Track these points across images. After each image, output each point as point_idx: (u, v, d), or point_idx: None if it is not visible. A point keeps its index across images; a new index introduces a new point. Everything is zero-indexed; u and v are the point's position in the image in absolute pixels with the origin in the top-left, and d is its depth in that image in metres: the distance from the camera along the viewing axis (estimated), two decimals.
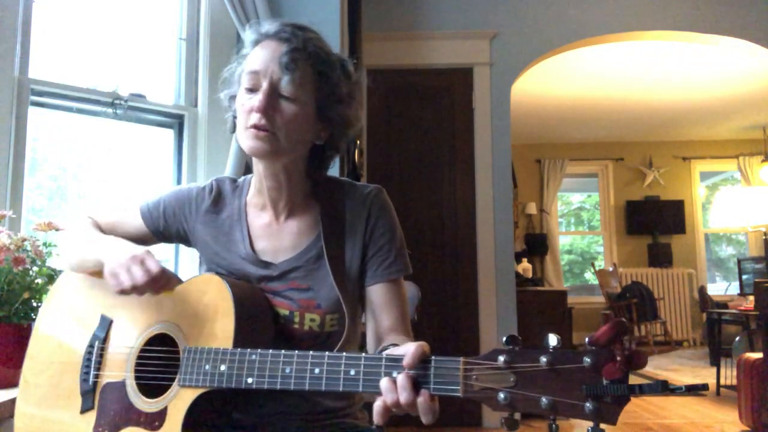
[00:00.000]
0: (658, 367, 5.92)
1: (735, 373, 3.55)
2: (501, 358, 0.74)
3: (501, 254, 3.72)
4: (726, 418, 3.79)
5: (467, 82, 3.86)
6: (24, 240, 1.50)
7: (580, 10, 3.91)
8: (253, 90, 1.02)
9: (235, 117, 1.09)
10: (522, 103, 6.08)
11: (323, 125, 1.08)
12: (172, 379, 1.00)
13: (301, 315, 1.07)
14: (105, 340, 1.09)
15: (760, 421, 3.18)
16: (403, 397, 0.78)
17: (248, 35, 1.09)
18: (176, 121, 2.42)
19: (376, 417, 0.81)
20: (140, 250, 1.00)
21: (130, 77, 2.31)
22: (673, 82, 5.92)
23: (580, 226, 9.28)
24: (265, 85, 1.01)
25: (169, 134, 2.44)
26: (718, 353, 4.68)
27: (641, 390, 0.69)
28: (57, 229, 1.57)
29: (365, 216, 1.12)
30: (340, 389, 0.85)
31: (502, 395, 0.73)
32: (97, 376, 1.07)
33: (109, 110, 2.20)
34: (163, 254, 2.30)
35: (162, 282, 0.98)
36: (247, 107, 1.02)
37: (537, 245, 7.65)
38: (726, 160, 7.99)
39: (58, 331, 1.16)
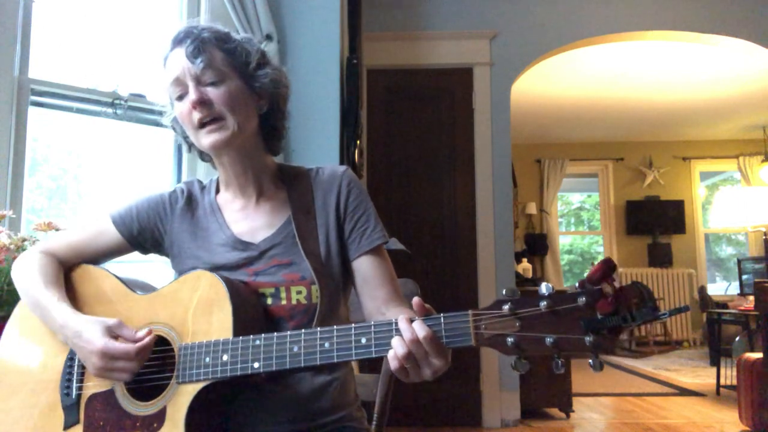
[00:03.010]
0: (658, 367, 5.92)
1: (735, 373, 3.55)
2: (505, 307, 0.82)
3: (501, 254, 3.72)
4: (726, 418, 3.78)
5: (467, 82, 3.86)
6: (24, 240, 1.50)
7: (580, 10, 3.91)
8: (182, 96, 1.08)
9: (186, 137, 1.16)
10: (522, 103, 6.08)
11: (258, 94, 1.12)
12: (167, 379, 0.98)
13: (287, 289, 1.08)
14: None
15: (760, 421, 3.18)
16: (422, 332, 0.84)
17: (158, 55, 1.13)
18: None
19: (391, 361, 0.86)
20: (98, 344, 0.96)
21: (130, 77, 2.31)
22: (673, 82, 5.92)
23: (580, 226, 9.28)
24: (189, 83, 1.06)
25: (169, 134, 2.43)
26: (718, 353, 4.68)
27: (633, 318, 0.76)
28: (57, 229, 1.57)
29: (336, 192, 1.16)
30: (353, 358, 0.89)
31: (510, 339, 0.81)
32: (80, 389, 1.04)
33: (109, 110, 2.21)
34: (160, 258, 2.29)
35: (144, 350, 0.97)
36: (185, 111, 1.08)
37: (537, 245, 7.65)
38: (726, 160, 7.99)
39: (29, 350, 1.11)
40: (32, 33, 2.05)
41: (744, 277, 5.36)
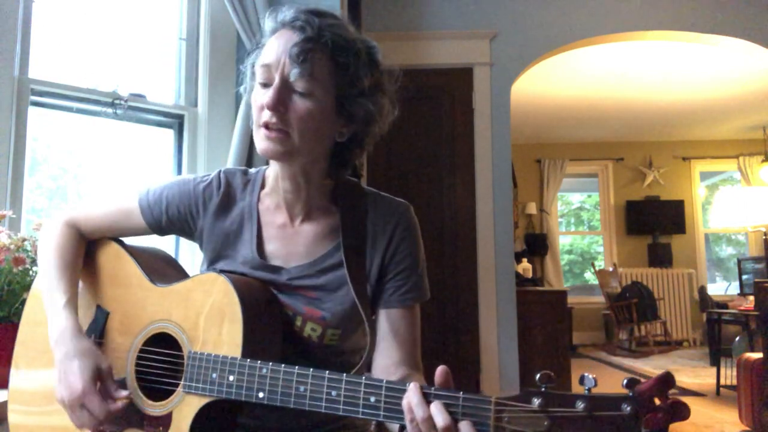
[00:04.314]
0: (658, 367, 5.91)
1: (735, 373, 3.55)
2: (536, 401, 0.71)
3: (501, 254, 3.72)
4: (726, 418, 3.78)
5: (467, 82, 3.85)
6: (24, 240, 1.50)
7: (581, 10, 3.91)
8: (266, 85, 0.95)
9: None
10: (522, 103, 6.08)
11: (344, 121, 0.99)
12: (174, 382, 0.98)
13: (304, 321, 1.03)
14: (102, 334, 1.06)
15: (760, 421, 3.18)
16: (440, 419, 0.73)
17: (267, 23, 1.00)
18: (176, 121, 2.42)
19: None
20: (79, 386, 0.92)
21: (130, 77, 2.31)
22: (673, 82, 5.92)
23: (580, 226, 9.28)
24: (276, 79, 0.93)
25: (169, 134, 2.44)
26: (718, 353, 4.68)
27: None
28: None
29: (389, 234, 1.04)
30: (359, 416, 0.82)
31: None
32: None
33: (109, 110, 2.20)
34: (163, 248, 2.29)
35: (113, 414, 0.92)
36: (259, 103, 0.95)
37: (537, 245, 7.65)
38: (726, 160, 7.99)
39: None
40: (32, 33, 2.05)
41: (744, 277, 5.36)
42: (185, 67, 2.46)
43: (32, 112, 2.03)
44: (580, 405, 0.69)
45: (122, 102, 2.21)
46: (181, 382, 0.96)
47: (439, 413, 0.74)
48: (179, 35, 2.48)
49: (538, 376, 0.72)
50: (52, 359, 1.06)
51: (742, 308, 4.52)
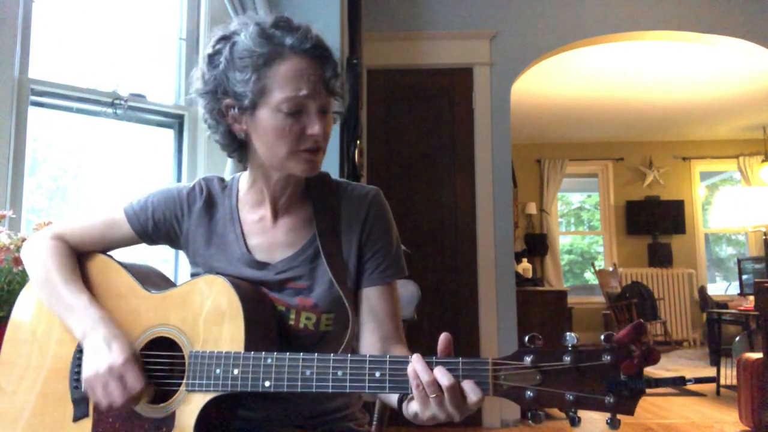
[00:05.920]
0: (658, 367, 5.92)
1: (735, 373, 3.55)
2: (527, 359, 0.79)
3: (501, 254, 3.72)
4: (726, 418, 3.78)
5: (467, 82, 3.85)
6: (24, 240, 1.50)
7: (580, 10, 3.91)
8: (295, 114, 0.98)
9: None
10: (522, 103, 6.08)
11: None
12: (175, 384, 0.98)
13: (298, 312, 1.06)
14: None
15: (760, 421, 3.18)
16: (445, 380, 0.80)
17: (256, 41, 0.97)
18: (176, 121, 2.42)
19: (420, 406, 0.83)
20: (120, 357, 0.95)
21: (130, 77, 2.31)
22: (673, 82, 5.91)
23: (580, 226, 9.27)
24: (315, 108, 0.99)
25: (169, 134, 2.44)
26: (718, 353, 4.68)
27: (657, 384, 0.76)
28: None
29: (363, 217, 1.10)
30: (366, 391, 0.87)
31: (529, 393, 0.78)
32: None
33: (109, 110, 2.21)
34: (162, 256, 2.30)
35: (140, 396, 0.95)
36: (296, 131, 0.98)
37: (537, 245, 7.65)
38: (726, 160, 7.99)
39: (38, 334, 1.10)
40: (32, 33, 2.05)
41: (744, 277, 5.36)
42: (185, 67, 2.46)
43: (32, 112, 2.03)
44: (567, 359, 0.77)
45: (122, 102, 2.21)
46: (184, 381, 0.96)
47: (443, 375, 0.81)
48: (179, 35, 2.49)
49: (527, 338, 0.80)
50: (40, 377, 1.06)
51: (742, 308, 4.52)
